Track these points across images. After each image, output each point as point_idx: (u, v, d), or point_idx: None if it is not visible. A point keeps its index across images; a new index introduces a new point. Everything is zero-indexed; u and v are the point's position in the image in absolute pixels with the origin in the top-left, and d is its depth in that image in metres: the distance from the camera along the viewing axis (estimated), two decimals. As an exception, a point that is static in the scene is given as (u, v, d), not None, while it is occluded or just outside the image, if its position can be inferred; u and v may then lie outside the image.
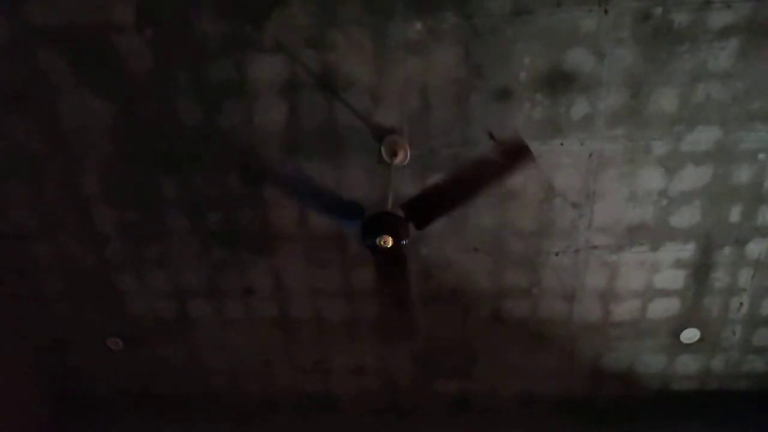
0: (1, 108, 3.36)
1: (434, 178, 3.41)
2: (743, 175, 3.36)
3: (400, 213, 2.92)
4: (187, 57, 3.13)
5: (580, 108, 3.17)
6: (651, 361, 4.16)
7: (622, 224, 3.56)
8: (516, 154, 2.85)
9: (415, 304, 3.37)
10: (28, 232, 3.83)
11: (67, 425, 4.69)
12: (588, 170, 3.38)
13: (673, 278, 3.77)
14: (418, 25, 2.98)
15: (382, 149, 3.32)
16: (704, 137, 3.24)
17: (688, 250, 3.64)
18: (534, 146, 3.29)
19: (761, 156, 3.30)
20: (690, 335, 4.01)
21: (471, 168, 2.94)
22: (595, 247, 3.66)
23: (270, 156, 3.41)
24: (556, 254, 3.70)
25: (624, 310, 3.92)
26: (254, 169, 3.48)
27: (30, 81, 3.26)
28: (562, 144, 3.30)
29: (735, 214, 3.50)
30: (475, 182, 2.86)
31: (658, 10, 2.88)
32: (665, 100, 3.13)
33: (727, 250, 3.64)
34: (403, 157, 3.33)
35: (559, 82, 3.10)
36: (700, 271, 3.73)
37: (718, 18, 2.89)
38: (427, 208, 2.91)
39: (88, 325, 4.25)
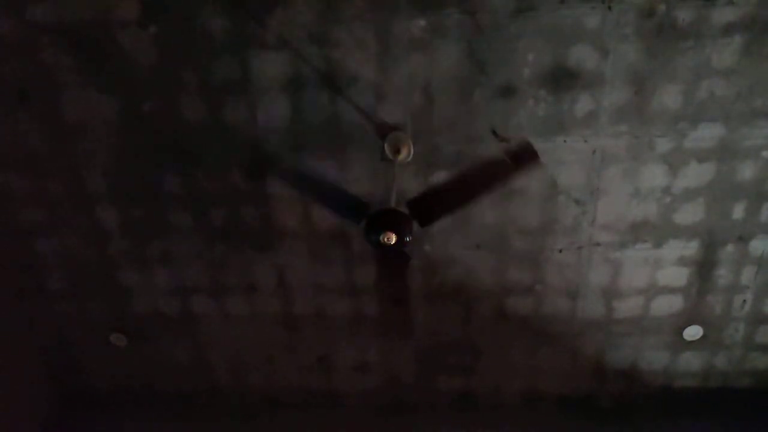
0: (5, 104, 3.37)
1: (439, 177, 3.42)
2: (747, 172, 3.36)
3: (404, 210, 2.93)
4: (191, 53, 3.14)
5: (583, 105, 3.17)
6: (654, 358, 4.16)
7: (626, 221, 3.56)
8: (522, 156, 2.88)
9: (411, 302, 3.37)
10: (32, 228, 3.84)
11: (70, 421, 4.71)
12: (591, 167, 3.38)
13: (676, 275, 3.76)
14: (422, 22, 2.98)
15: (386, 146, 3.33)
16: (708, 134, 3.24)
17: (691, 248, 3.64)
18: (537, 143, 3.29)
19: (765, 153, 3.29)
20: (693, 332, 4.01)
21: (476, 168, 2.95)
22: (598, 244, 3.66)
23: (274, 152, 3.42)
24: (560, 251, 3.70)
25: (627, 307, 3.92)
26: (259, 164, 3.48)
27: (34, 77, 3.27)
28: (565, 141, 3.30)
29: (738, 211, 3.50)
30: (480, 183, 2.88)
31: (662, 7, 2.87)
32: (669, 97, 3.13)
33: (730, 248, 3.63)
34: (406, 153, 3.33)
35: (562, 78, 3.10)
36: (704, 268, 3.73)
37: (722, 15, 2.89)
38: (431, 206, 2.92)
39: (92, 321, 4.26)
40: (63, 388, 4.64)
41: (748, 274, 3.74)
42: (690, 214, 3.51)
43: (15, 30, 3.12)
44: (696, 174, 3.37)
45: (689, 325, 3.98)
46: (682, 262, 3.70)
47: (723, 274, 3.75)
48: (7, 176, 3.63)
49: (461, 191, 2.91)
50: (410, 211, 2.92)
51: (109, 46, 3.13)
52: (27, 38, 3.14)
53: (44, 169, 3.59)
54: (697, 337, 4.04)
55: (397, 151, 3.31)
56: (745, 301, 3.86)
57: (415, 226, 2.95)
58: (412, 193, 2.96)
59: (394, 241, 2.84)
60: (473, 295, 3.93)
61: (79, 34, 3.11)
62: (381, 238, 2.84)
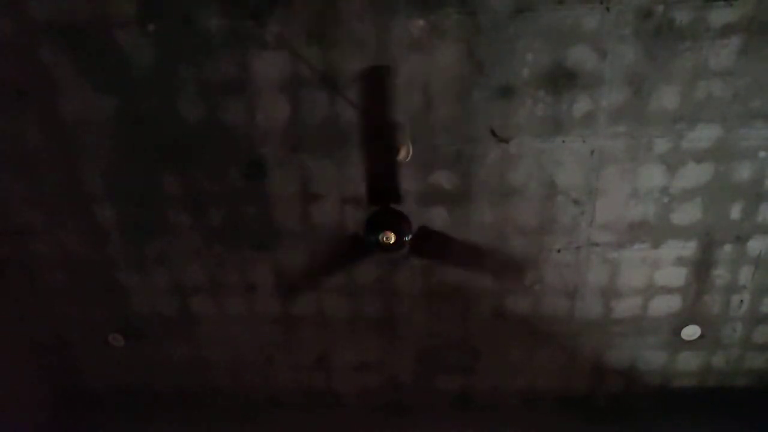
0: (3, 103, 3.36)
1: (439, 177, 3.42)
2: (744, 172, 3.37)
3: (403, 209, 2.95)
4: (189, 53, 3.13)
5: (582, 105, 3.18)
6: (652, 358, 4.17)
7: (624, 221, 3.57)
8: (512, 270, 3.24)
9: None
10: (30, 228, 3.83)
11: (67, 421, 4.70)
12: (590, 167, 3.38)
13: (674, 275, 3.77)
14: (421, 22, 2.99)
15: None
16: (705, 135, 3.25)
17: (689, 248, 3.65)
18: (536, 143, 3.30)
19: (762, 154, 3.30)
20: (691, 332, 4.02)
21: (480, 252, 3.25)
22: (596, 244, 3.67)
23: (272, 152, 3.42)
24: (558, 251, 3.71)
25: (625, 307, 3.92)
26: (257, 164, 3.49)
27: (31, 76, 3.26)
28: (564, 141, 3.30)
29: (736, 211, 3.51)
30: (474, 263, 3.21)
31: (660, 8, 2.88)
32: (667, 98, 3.14)
33: (728, 248, 3.64)
34: (405, 153, 3.33)
35: (561, 79, 3.11)
36: (701, 268, 3.73)
37: (720, 16, 2.89)
38: (433, 246, 3.05)
39: (90, 321, 4.25)
40: (61, 388, 4.64)
41: (745, 274, 3.75)
42: (688, 214, 3.52)
43: (13, 29, 3.11)
44: (694, 174, 3.38)
45: (687, 325, 3.99)
46: (680, 262, 3.71)
47: (721, 274, 3.76)
48: (4, 176, 3.62)
49: (461, 256, 3.16)
50: (416, 235, 2.99)
51: (108, 45, 3.13)
52: (25, 37, 3.13)
53: (42, 169, 3.58)
54: (695, 336, 4.05)
55: (396, 151, 3.31)
56: (742, 300, 3.87)
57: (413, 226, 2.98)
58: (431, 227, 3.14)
59: (393, 241, 2.85)
60: (472, 295, 3.93)
61: (77, 33, 3.10)
62: (380, 237, 2.85)
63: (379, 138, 2.80)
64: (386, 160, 2.86)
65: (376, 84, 2.75)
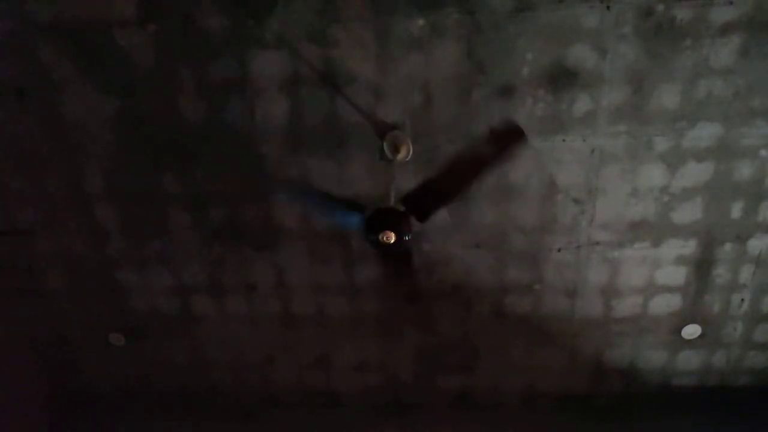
0: (3, 103, 3.36)
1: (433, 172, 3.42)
2: (745, 171, 3.37)
3: (402, 209, 2.93)
4: (189, 52, 3.13)
5: (582, 104, 3.18)
6: (652, 357, 4.17)
7: (624, 220, 3.57)
8: (508, 137, 2.90)
9: (423, 297, 3.37)
10: (30, 228, 3.83)
11: (68, 420, 4.70)
12: (590, 166, 3.38)
13: (674, 274, 3.77)
14: (421, 21, 2.98)
15: (385, 145, 3.33)
16: (706, 133, 3.25)
17: (689, 247, 3.65)
18: (536, 142, 3.30)
19: (763, 152, 3.30)
20: (691, 331, 4.02)
21: (466, 157, 3.04)
22: (597, 244, 3.67)
23: (272, 152, 3.42)
24: (558, 250, 3.71)
25: (626, 306, 3.92)
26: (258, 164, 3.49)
27: (32, 76, 3.26)
28: (564, 140, 3.30)
29: (736, 210, 3.50)
30: (471, 170, 2.93)
31: (660, 7, 2.88)
32: (667, 97, 3.14)
33: (728, 247, 3.64)
34: (405, 153, 3.33)
35: (561, 78, 3.10)
36: (702, 267, 3.73)
37: (720, 14, 2.89)
38: (426, 200, 2.94)
39: (90, 320, 4.26)
40: (62, 387, 4.64)
41: (746, 273, 3.75)
42: (688, 213, 3.52)
43: (13, 29, 3.11)
44: (694, 173, 3.38)
45: (687, 324, 3.99)
46: (680, 261, 3.71)
47: (721, 273, 3.75)
48: (5, 175, 3.62)
49: (454, 180, 2.94)
50: (407, 207, 2.93)
51: (108, 46, 3.12)
52: (25, 37, 3.13)
53: (43, 169, 3.58)
54: (696, 335, 4.04)
55: (396, 151, 3.32)
56: (743, 299, 3.87)
57: (414, 223, 2.97)
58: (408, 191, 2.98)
59: (393, 240, 2.85)
60: (472, 294, 3.93)
61: (77, 33, 3.10)
62: (380, 237, 2.85)
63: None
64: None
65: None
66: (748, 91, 3.10)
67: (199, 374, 4.49)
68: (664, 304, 3.91)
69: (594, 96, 3.15)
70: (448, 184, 2.93)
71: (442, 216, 3.57)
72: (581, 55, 3.03)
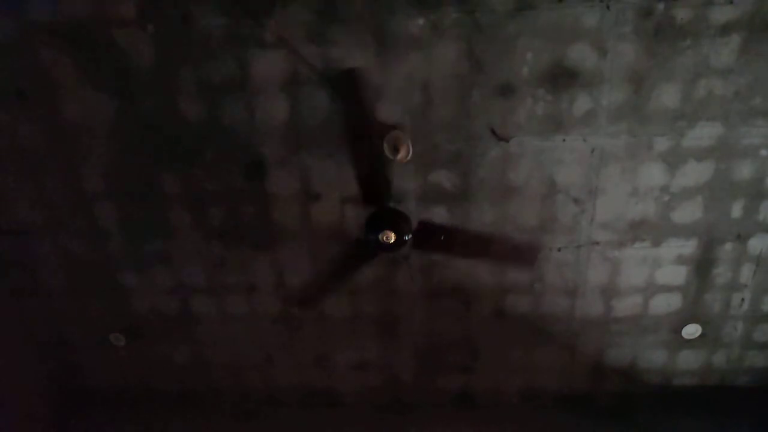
0: (3, 103, 3.36)
1: (438, 176, 3.42)
2: (745, 170, 3.37)
3: (402, 209, 2.95)
4: (189, 52, 3.13)
5: (582, 104, 3.18)
6: (653, 357, 4.17)
7: (624, 220, 3.56)
8: (523, 253, 3.25)
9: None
10: (31, 228, 3.83)
11: (69, 421, 4.70)
12: (590, 166, 3.38)
13: (674, 274, 3.77)
14: (420, 21, 2.98)
15: (385, 145, 3.32)
16: (706, 133, 3.25)
17: (689, 246, 3.65)
18: (536, 142, 3.30)
19: (763, 152, 3.30)
20: (691, 331, 4.02)
21: (484, 239, 3.28)
22: (597, 243, 3.66)
23: (272, 152, 3.42)
24: (559, 250, 3.71)
25: (626, 305, 3.92)
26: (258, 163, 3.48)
27: (32, 76, 3.26)
28: (564, 140, 3.30)
29: (737, 209, 3.50)
30: (480, 251, 3.21)
31: (660, 6, 2.88)
32: (667, 96, 3.14)
33: (728, 246, 3.64)
34: (405, 153, 3.33)
35: (561, 77, 3.10)
36: (702, 266, 3.73)
37: (720, 14, 2.89)
38: (435, 238, 3.06)
39: (91, 321, 4.25)
40: (62, 387, 4.64)
41: (746, 273, 3.75)
42: (688, 212, 3.52)
43: (12, 29, 3.11)
44: (694, 173, 3.38)
45: (688, 324, 3.99)
46: (680, 260, 3.71)
47: (721, 273, 3.75)
48: (5, 176, 3.62)
49: (464, 245, 3.15)
50: (419, 229, 3.01)
51: (107, 45, 3.13)
52: (24, 37, 3.13)
53: (42, 169, 3.58)
54: (696, 335, 4.04)
55: (396, 151, 3.31)
56: (743, 299, 3.87)
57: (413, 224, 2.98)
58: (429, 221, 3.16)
59: (393, 240, 2.85)
60: (472, 294, 3.93)
61: (77, 34, 3.10)
62: (380, 237, 2.85)
63: (362, 137, 2.80)
64: (372, 159, 2.86)
65: (350, 85, 2.75)
66: (748, 90, 3.10)
67: (199, 374, 4.49)
68: (665, 304, 3.91)
69: (594, 95, 3.15)
70: (460, 244, 3.13)
71: (442, 216, 3.57)
72: (581, 54, 3.03)
